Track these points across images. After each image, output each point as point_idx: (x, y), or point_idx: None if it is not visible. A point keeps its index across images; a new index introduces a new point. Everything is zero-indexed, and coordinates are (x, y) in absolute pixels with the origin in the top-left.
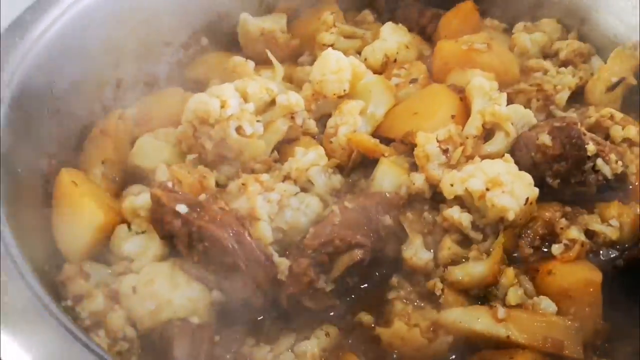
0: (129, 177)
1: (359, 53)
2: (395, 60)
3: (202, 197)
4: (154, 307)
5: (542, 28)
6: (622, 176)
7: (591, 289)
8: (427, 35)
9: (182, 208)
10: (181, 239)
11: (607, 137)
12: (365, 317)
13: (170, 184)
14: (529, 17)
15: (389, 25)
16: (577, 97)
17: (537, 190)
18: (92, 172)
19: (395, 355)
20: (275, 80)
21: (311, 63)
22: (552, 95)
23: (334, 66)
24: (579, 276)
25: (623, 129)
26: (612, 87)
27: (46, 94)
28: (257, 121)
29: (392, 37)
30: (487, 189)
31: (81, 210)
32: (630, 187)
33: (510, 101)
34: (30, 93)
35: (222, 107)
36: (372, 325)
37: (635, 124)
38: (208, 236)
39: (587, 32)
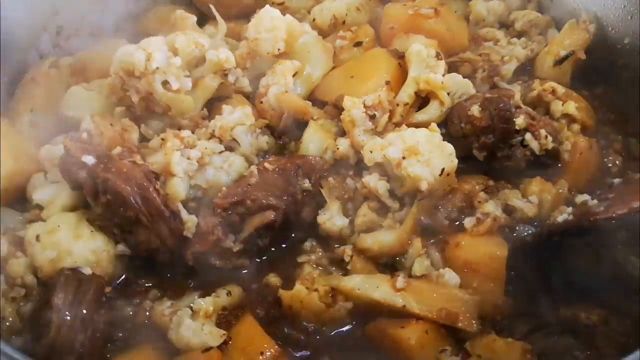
0: (59, 126)
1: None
2: (344, 22)
3: (117, 150)
4: (54, 256)
5: None
6: (554, 152)
7: (495, 264)
8: None
9: (89, 159)
10: (87, 190)
11: (547, 111)
12: (273, 279)
13: (85, 135)
14: None
15: None
16: (528, 70)
17: (455, 161)
18: (20, 119)
19: (294, 318)
20: (216, 37)
21: None
22: (499, 67)
23: (269, 24)
24: (485, 250)
25: (563, 104)
26: (560, 61)
27: None
28: (186, 76)
29: None
30: (404, 157)
31: None
32: (559, 165)
33: (455, 70)
34: None
35: (148, 59)
36: (278, 287)
37: (579, 99)
38: (111, 188)
39: (547, 4)
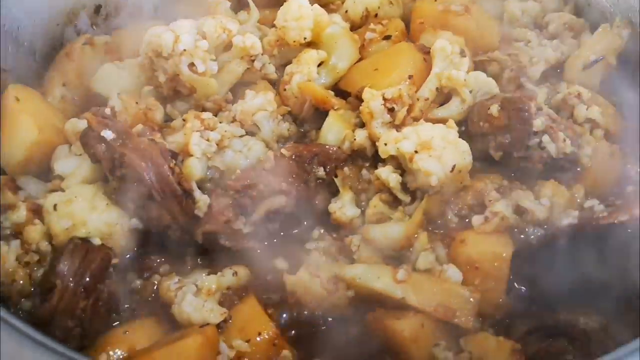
0: (90, 102)
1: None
2: (376, 15)
3: (138, 127)
4: (69, 225)
5: None
6: (572, 157)
7: (498, 263)
8: None
9: (107, 134)
10: (105, 163)
11: (571, 115)
12: (280, 264)
13: (108, 111)
14: None
15: None
16: (559, 73)
17: (468, 159)
18: (52, 92)
19: (297, 302)
20: (248, 23)
21: None
22: (526, 68)
23: (296, 13)
24: (488, 248)
25: (587, 108)
26: (589, 65)
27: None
28: (212, 60)
29: None
30: (416, 152)
31: (18, 126)
32: (578, 170)
33: (482, 68)
34: None
35: (175, 41)
36: (284, 270)
37: (605, 105)
38: (127, 163)
39: (583, 7)
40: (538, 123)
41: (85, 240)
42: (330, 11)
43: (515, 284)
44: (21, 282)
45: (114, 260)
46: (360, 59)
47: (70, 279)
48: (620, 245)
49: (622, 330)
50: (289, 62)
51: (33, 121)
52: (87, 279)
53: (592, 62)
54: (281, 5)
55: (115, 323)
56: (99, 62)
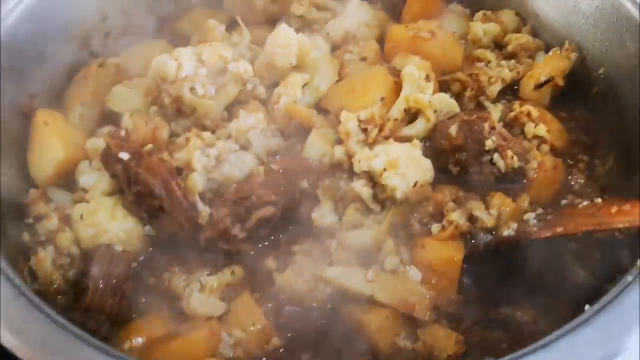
0: (106, 118)
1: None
2: (354, 36)
3: (149, 147)
4: (94, 233)
5: (501, 18)
6: (520, 170)
7: (451, 266)
8: (398, 12)
9: (124, 155)
10: (122, 180)
11: (522, 131)
12: (270, 263)
13: (123, 132)
14: (492, 6)
15: (355, 1)
16: (515, 89)
17: (429, 175)
18: (72, 111)
19: (284, 297)
20: (240, 45)
21: None
22: (485, 87)
23: (283, 41)
24: (443, 254)
25: (536, 126)
26: (539, 85)
27: (34, 40)
28: (210, 84)
29: (355, 15)
30: (385, 169)
31: (47, 147)
32: (525, 181)
33: (447, 87)
34: (19, 37)
35: (178, 68)
36: (274, 270)
37: (552, 122)
38: (141, 181)
39: (539, 28)
40: (489, 143)
41: (109, 247)
42: (313, 31)
43: (465, 281)
44: (57, 282)
45: (134, 264)
46: (340, 79)
47: (100, 281)
48: (545, 253)
49: (551, 323)
50: (277, 82)
51: (60, 142)
52: (114, 280)
53: (541, 82)
54: (271, 23)
55: (135, 315)
56: (111, 82)
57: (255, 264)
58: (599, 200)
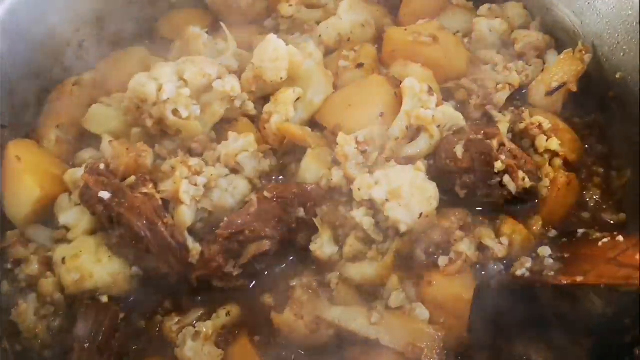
0: (84, 139)
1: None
2: (349, 39)
3: (131, 179)
4: (78, 278)
5: (507, 12)
6: (531, 190)
7: (460, 305)
8: (397, 5)
9: (105, 195)
10: (104, 221)
11: (533, 143)
12: (268, 300)
13: (102, 166)
14: None
15: (347, 0)
16: (524, 93)
17: (434, 204)
18: (47, 136)
19: (284, 339)
20: (226, 53)
21: (275, 28)
22: (492, 94)
23: (272, 55)
24: (452, 291)
25: (547, 139)
26: (551, 92)
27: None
28: (194, 104)
29: (348, 15)
30: (387, 200)
31: (21, 186)
32: (537, 200)
33: (450, 95)
34: None
35: (159, 90)
36: (272, 307)
37: (565, 132)
38: (124, 223)
39: (549, 24)
40: (499, 165)
41: (95, 299)
42: (304, 31)
43: (476, 319)
44: (42, 335)
45: (121, 315)
46: (334, 89)
47: (86, 340)
48: (563, 298)
49: None
50: (268, 95)
51: (35, 180)
52: (100, 337)
53: (554, 89)
54: (257, 23)
55: None
56: (88, 98)
57: (252, 302)
58: (620, 238)
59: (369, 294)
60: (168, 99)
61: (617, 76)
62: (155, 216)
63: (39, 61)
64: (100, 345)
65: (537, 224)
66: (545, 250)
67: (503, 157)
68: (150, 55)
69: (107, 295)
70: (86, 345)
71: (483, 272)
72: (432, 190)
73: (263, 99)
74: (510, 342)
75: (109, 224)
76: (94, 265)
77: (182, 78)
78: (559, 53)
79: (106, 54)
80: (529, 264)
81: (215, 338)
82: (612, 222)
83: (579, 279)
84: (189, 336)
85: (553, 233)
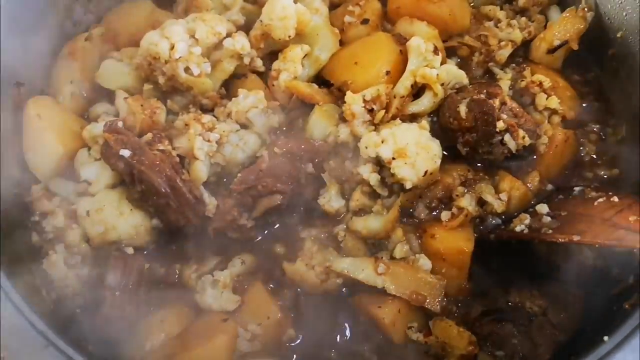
0: (97, 93)
1: None
2: None
3: (148, 136)
4: (103, 230)
5: None
6: (530, 147)
7: (461, 256)
8: None
9: (125, 153)
10: (126, 178)
11: (533, 101)
12: (279, 249)
13: (120, 124)
14: None
15: None
16: (525, 50)
17: (438, 162)
18: (62, 92)
19: (295, 287)
20: (233, 8)
21: None
22: (494, 52)
23: (280, 13)
24: (453, 244)
25: (547, 97)
26: (552, 50)
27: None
28: (205, 62)
29: None
30: (394, 158)
31: (44, 143)
32: (535, 156)
33: (453, 52)
34: None
35: (171, 49)
36: (284, 256)
37: (565, 89)
38: (145, 179)
39: None
40: (500, 125)
41: (120, 250)
42: None
43: (475, 269)
44: (72, 284)
45: (146, 266)
46: (340, 44)
47: (117, 289)
48: (558, 253)
49: (559, 315)
50: (275, 51)
51: (57, 137)
52: (130, 286)
53: (555, 46)
54: None
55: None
56: (99, 53)
57: (265, 252)
58: (615, 198)
59: (375, 245)
60: (180, 57)
61: (618, 35)
62: (174, 172)
63: (52, 14)
64: (130, 294)
65: (534, 180)
66: (543, 208)
67: (504, 116)
68: (156, 8)
69: (132, 247)
70: (117, 294)
71: (481, 227)
72: (436, 148)
73: (270, 54)
74: (507, 291)
75: (130, 179)
76: (116, 218)
77: (194, 36)
78: (562, 9)
79: (113, 6)
80: (527, 221)
81: (232, 285)
82: (605, 176)
83: (576, 238)
84: (208, 284)
85: (550, 187)
